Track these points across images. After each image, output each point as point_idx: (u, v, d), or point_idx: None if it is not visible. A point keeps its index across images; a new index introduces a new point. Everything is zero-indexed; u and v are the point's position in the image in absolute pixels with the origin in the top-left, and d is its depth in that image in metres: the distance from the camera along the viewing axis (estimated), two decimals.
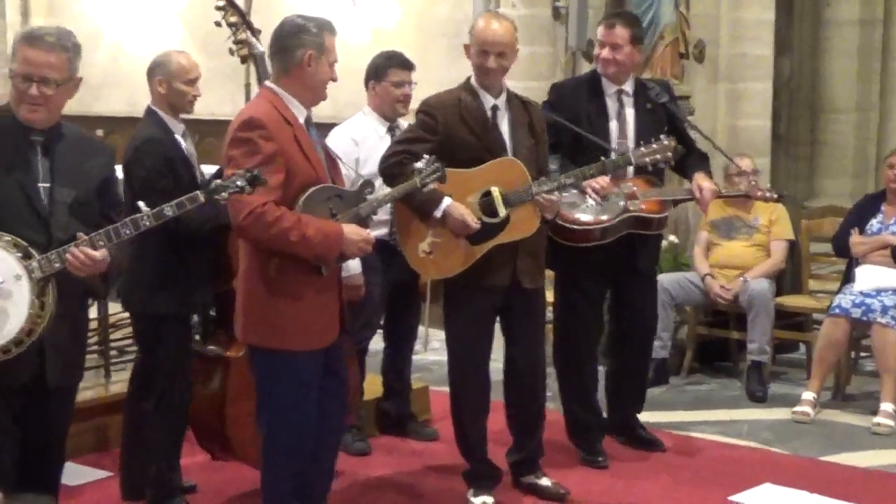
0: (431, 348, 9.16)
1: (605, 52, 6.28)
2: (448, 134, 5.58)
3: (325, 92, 4.91)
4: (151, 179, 5.33)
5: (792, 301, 8.50)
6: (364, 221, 4.91)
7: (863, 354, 8.36)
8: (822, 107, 9.94)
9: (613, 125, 6.28)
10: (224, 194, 4.38)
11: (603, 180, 6.02)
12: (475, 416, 5.84)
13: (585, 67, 8.78)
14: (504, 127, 5.70)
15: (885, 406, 7.28)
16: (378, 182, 5.48)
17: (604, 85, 6.33)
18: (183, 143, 5.58)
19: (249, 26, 5.99)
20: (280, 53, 4.83)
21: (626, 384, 6.72)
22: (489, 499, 5.80)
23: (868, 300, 7.49)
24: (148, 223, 4.27)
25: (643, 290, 6.62)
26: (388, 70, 6.59)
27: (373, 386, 6.93)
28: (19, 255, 4.13)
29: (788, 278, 8.77)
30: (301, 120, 4.81)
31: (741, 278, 8.13)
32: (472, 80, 5.72)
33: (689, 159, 6.40)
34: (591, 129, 6.16)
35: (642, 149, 5.90)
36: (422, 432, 6.95)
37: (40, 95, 4.26)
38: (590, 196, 6.05)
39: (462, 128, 5.59)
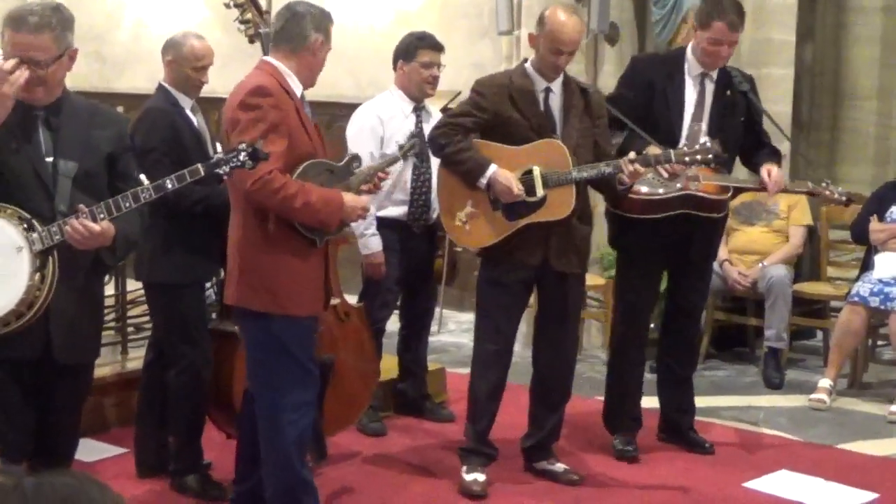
0: (447, 330, 9.18)
1: (725, 51, 6.08)
2: (496, 112, 5.67)
3: (317, 77, 5.00)
4: (148, 148, 5.39)
5: (810, 288, 8.48)
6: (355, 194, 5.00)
7: (880, 343, 8.33)
8: (843, 93, 9.89)
9: (689, 107, 6.16)
10: (225, 168, 4.41)
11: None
12: (489, 390, 5.88)
13: (608, 50, 8.79)
14: (555, 109, 5.74)
15: None
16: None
17: (688, 66, 6.19)
18: (192, 117, 5.61)
19: (256, 6, 6.01)
20: (291, 34, 4.88)
21: (675, 377, 6.57)
22: (481, 476, 5.83)
23: (887, 288, 7.47)
24: (147, 196, 4.27)
25: (697, 277, 6.48)
26: (418, 50, 6.61)
27: (389, 367, 6.94)
28: (24, 227, 4.14)
29: (807, 265, 8.76)
30: (298, 94, 4.89)
31: (759, 264, 8.12)
32: (528, 64, 5.77)
33: (760, 154, 6.31)
34: (667, 107, 6.09)
35: (685, 148, 5.78)
36: (437, 413, 6.97)
37: (34, 77, 4.24)
38: (658, 172, 5.96)
39: (510, 107, 5.67)
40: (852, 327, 7.56)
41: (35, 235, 4.14)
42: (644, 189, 6.07)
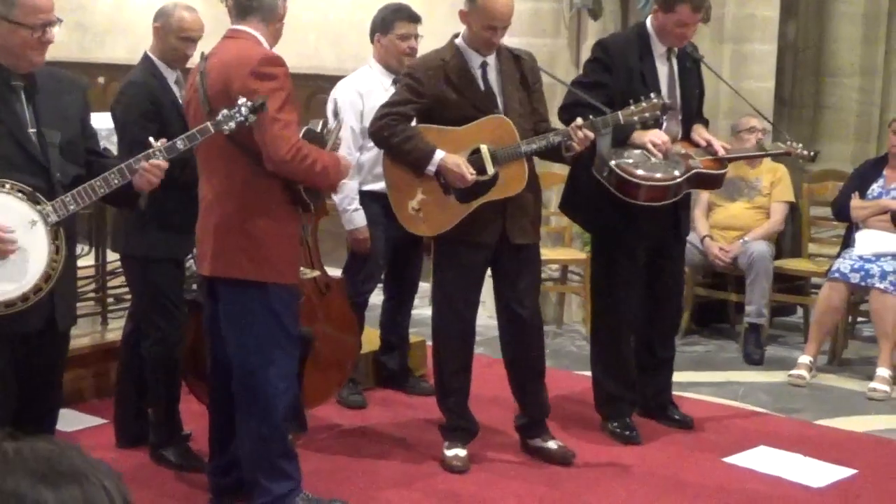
0: (430, 303, 9.17)
1: (691, 31, 6.16)
2: (434, 95, 5.60)
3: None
4: (128, 123, 5.39)
5: (791, 264, 8.50)
6: None
7: (860, 319, 8.36)
8: (826, 70, 9.90)
9: (664, 84, 6.14)
10: (231, 125, 4.43)
11: (662, 136, 5.99)
12: (455, 369, 5.87)
13: (590, 24, 8.76)
14: (494, 83, 5.68)
15: (881, 371, 7.29)
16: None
17: (654, 45, 6.16)
18: (176, 90, 5.58)
19: None
20: (262, 3, 4.89)
21: (656, 358, 6.53)
22: (462, 451, 5.83)
23: (867, 265, 7.49)
24: (161, 157, 4.34)
25: (678, 257, 6.50)
26: (394, 23, 6.57)
27: (371, 339, 6.94)
28: (30, 200, 4.11)
29: (788, 241, 8.78)
30: None
31: (741, 240, 8.14)
32: (459, 41, 5.69)
33: (700, 119, 6.41)
34: (645, 87, 5.98)
35: (632, 108, 5.71)
36: (418, 387, 6.97)
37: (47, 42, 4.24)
38: (652, 154, 5.95)
39: (447, 88, 5.60)
40: (832, 304, 7.58)
41: (48, 208, 4.12)
42: (658, 174, 5.97)
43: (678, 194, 6.10)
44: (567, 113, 5.91)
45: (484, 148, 5.56)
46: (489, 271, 5.88)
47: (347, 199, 6.40)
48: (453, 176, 5.54)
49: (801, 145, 6.51)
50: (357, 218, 6.46)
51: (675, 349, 6.67)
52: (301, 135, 4.80)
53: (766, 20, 8.70)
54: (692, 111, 6.30)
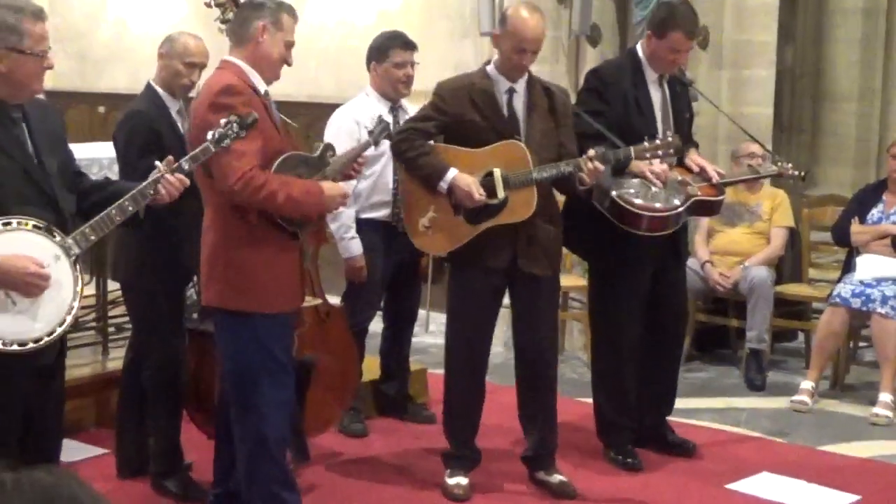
0: (430, 331, 9.16)
1: (682, 57, 6.18)
2: (456, 114, 5.61)
3: (279, 71, 4.91)
4: (129, 153, 5.41)
5: (792, 289, 8.49)
6: None
7: (862, 344, 8.35)
8: (824, 95, 9.92)
9: (658, 111, 6.14)
10: (227, 141, 4.45)
11: (661, 165, 5.95)
12: (464, 398, 5.85)
13: (589, 52, 8.78)
14: (519, 110, 5.68)
15: (884, 396, 7.28)
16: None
17: (646, 71, 6.16)
18: (178, 120, 5.58)
19: (238, 5, 6.00)
20: (237, 25, 4.90)
21: (656, 384, 6.46)
22: (464, 480, 5.81)
23: (868, 290, 7.48)
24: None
25: (678, 282, 6.46)
26: (389, 50, 6.57)
27: (371, 367, 6.93)
28: (50, 234, 4.08)
29: (788, 266, 8.77)
30: (262, 92, 4.86)
31: (741, 266, 8.13)
32: (490, 67, 5.72)
33: (692, 144, 6.43)
34: (641, 115, 6.03)
35: (645, 144, 5.71)
36: (419, 415, 6.95)
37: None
38: (651, 183, 5.93)
39: (471, 109, 5.61)
40: (834, 329, 7.57)
41: (70, 241, 4.11)
42: (658, 204, 5.97)
43: (679, 223, 6.10)
44: (581, 141, 5.86)
45: (497, 171, 5.57)
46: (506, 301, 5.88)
47: (343, 228, 6.39)
48: (462, 194, 5.54)
49: (790, 165, 6.54)
50: (353, 246, 6.45)
51: (676, 375, 6.61)
52: (280, 162, 4.73)
53: (764, 45, 8.72)
54: (684, 136, 6.25)
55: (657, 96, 6.18)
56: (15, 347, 4.00)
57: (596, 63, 8.75)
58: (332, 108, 6.74)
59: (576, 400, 7.31)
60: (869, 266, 7.63)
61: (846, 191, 8.92)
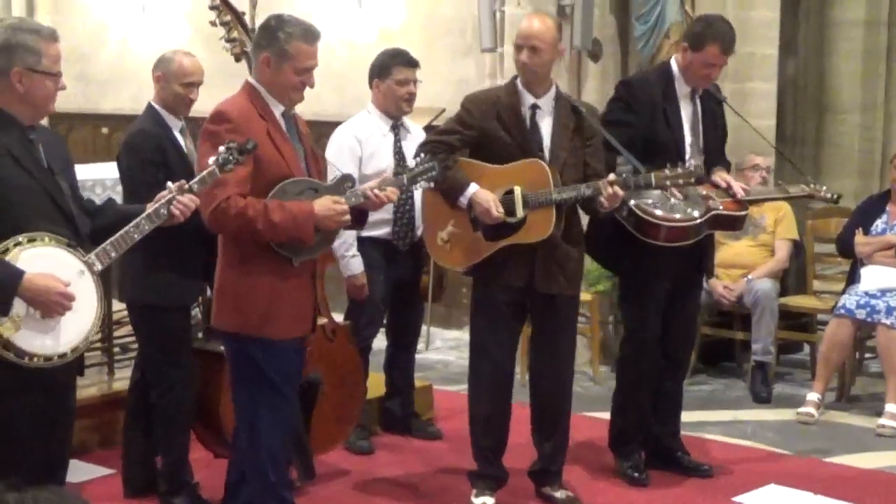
0: (434, 347, 9.17)
1: (716, 72, 6.11)
2: (482, 129, 5.61)
3: (294, 95, 4.88)
4: (134, 171, 5.42)
5: (796, 301, 8.49)
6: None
7: (867, 355, 8.33)
8: (827, 107, 9.92)
9: (687, 124, 6.10)
10: (231, 166, 4.48)
11: None
12: (486, 415, 5.81)
13: (590, 67, 8.80)
14: (544, 127, 5.67)
15: (890, 407, 7.27)
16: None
17: (677, 85, 6.11)
18: (181, 140, 5.60)
19: (243, 24, 6.02)
20: (253, 49, 4.96)
21: (666, 399, 6.42)
22: (490, 500, 5.79)
23: (873, 301, 7.48)
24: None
25: (695, 297, 6.46)
26: (392, 68, 6.58)
27: (376, 384, 6.93)
28: (74, 251, 4.11)
29: (793, 278, 8.77)
30: (278, 114, 4.86)
31: (745, 278, 8.13)
32: (518, 80, 5.71)
33: (721, 160, 6.34)
34: (669, 127, 6.01)
35: (667, 172, 5.64)
36: (425, 431, 6.95)
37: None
38: (673, 195, 5.92)
39: (496, 125, 5.60)
40: (839, 340, 7.56)
41: (93, 257, 4.14)
42: (677, 215, 5.96)
43: (699, 235, 6.04)
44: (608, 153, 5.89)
45: (517, 190, 5.54)
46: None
47: (345, 246, 6.38)
48: (481, 211, 5.53)
49: (824, 187, 6.47)
50: (354, 264, 6.45)
51: (681, 390, 6.53)
52: (280, 185, 4.71)
53: (766, 58, 8.74)
54: (714, 152, 6.23)
55: (688, 111, 6.14)
56: (41, 362, 4.02)
57: (597, 78, 8.78)
58: (336, 125, 6.76)
59: (581, 415, 7.29)
60: (873, 277, 7.63)
61: (850, 202, 8.91)
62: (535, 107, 5.66)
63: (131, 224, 4.25)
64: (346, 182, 4.94)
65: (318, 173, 5.00)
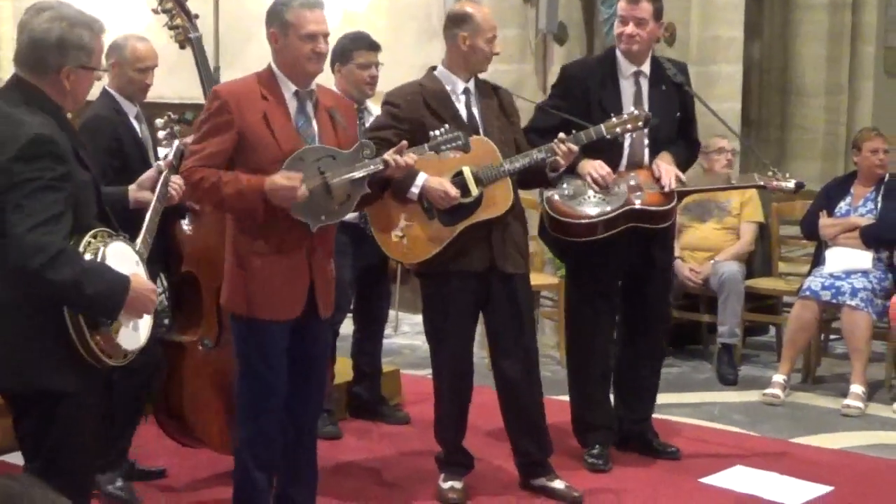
0: (402, 332, 9.16)
1: (630, 28, 5.93)
2: (413, 120, 5.52)
3: (307, 65, 4.84)
4: (94, 156, 5.36)
5: (762, 284, 8.52)
6: (360, 183, 4.90)
7: (833, 337, 8.39)
8: (792, 90, 9.97)
9: (627, 107, 5.94)
10: (176, 139, 4.71)
11: (603, 170, 5.89)
12: (451, 403, 5.78)
13: (557, 51, 8.79)
14: (475, 110, 5.65)
15: (855, 388, 7.31)
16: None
17: (621, 66, 6.05)
18: (136, 125, 5.57)
19: (185, 11, 5.98)
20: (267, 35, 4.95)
21: (634, 387, 6.42)
22: (458, 484, 5.77)
23: (838, 283, 7.51)
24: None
25: (656, 285, 6.32)
26: (353, 52, 6.55)
27: (343, 369, 6.92)
28: (130, 243, 4.11)
29: (759, 261, 8.80)
30: (289, 95, 4.86)
31: (711, 261, 8.16)
32: (440, 70, 5.67)
33: (674, 145, 6.17)
34: (604, 111, 5.88)
35: (613, 119, 5.67)
36: (393, 416, 6.95)
37: None
38: (590, 187, 5.90)
39: (426, 112, 5.55)
40: (804, 322, 7.60)
41: (140, 248, 4.16)
42: (586, 211, 5.92)
43: (613, 229, 5.94)
44: (537, 133, 5.85)
45: (466, 169, 5.50)
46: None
47: None
48: (436, 195, 5.46)
49: (787, 174, 6.17)
50: None
51: (654, 378, 6.51)
52: (296, 153, 4.73)
53: (731, 41, 8.76)
54: (662, 136, 6.10)
55: (629, 93, 6.05)
56: (122, 360, 4.02)
57: (563, 61, 8.76)
58: None
59: (547, 398, 7.29)
60: (838, 259, 7.66)
61: (814, 185, 8.95)
62: (466, 90, 5.64)
63: (151, 209, 4.34)
64: (364, 149, 4.92)
65: (337, 147, 4.94)
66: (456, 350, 5.69)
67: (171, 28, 5.94)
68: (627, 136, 5.94)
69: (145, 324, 4.08)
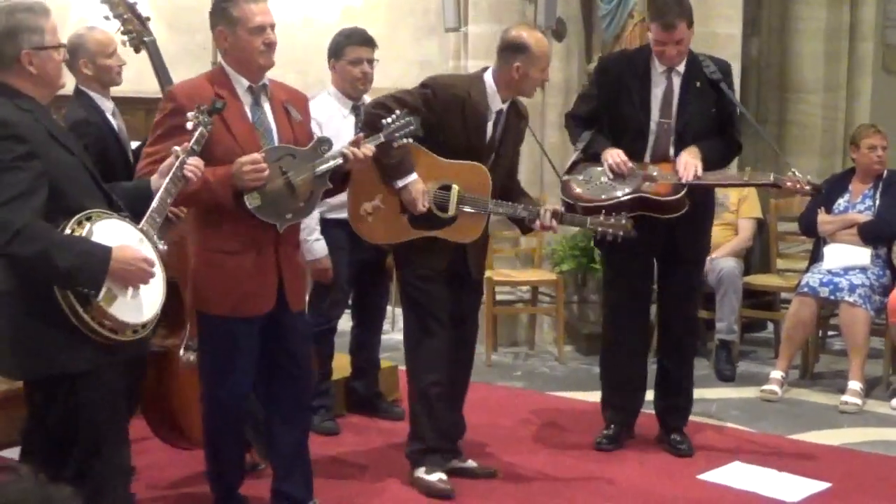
0: (399, 328, 9.11)
1: (670, 50, 5.98)
2: (441, 118, 5.57)
3: (259, 58, 4.85)
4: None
5: (760, 280, 8.52)
6: (322, 179, 4.93)
7: (830, 333, 8.39)
8: (790, 87, 9.95)
9: (656, 103, 6.06)
10: (201, 128, 4.52)
11: (620, 157, 6.01)
12: (439, 393, 5.77)
13: (555, 46, 8.76)
14: (499, 131, 5.71)
15: (853, 385, 7.31)
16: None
17: (654, 62, 6.10)
18: (113, 122, 5.56)
19: (136, 15, 5.98)
20: (213, 33, 4.94)
21: (661, 375, 6.53)
22: (444, 475, 5.76)
23: (836, 279, 7.51)
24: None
25: (679, 280, 6.34)
26: (346, 48, 6.50)
27: (341, 365, 6.91)
28: (130, 220, 4.15)
29: (757, 257, 8.80)
30: (241, 91, 4.87)
31: (709, 257, 8.14)
32: (489, 80, 5.69)
33: (712, 140, 6.15)
34: (633, 105, 6.06)
35: (601, 218, 5.70)
36: (390, 411, 6.94)
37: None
38: (605, 173, 6.04)
39: (457, 121, 5.59)
40: (802, 318, 7.59)
41: (145, 226, 4.17)
42: (596, 195, 6.02)
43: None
44: (575, 120, 6.21)
45: (455, 188, 5.59)
46: None
47: (307, 230, 6.26)
48: (409, 199, 5.57)
49: (808, 178, 6.11)
50: (317, 248, 6.39)
51: (684, 368, 6.51)
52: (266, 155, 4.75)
53: (729, 38, 8.73)
54: (690, 131, 6.10)
55: (660, 89, 6.11)
56: (130, 335, 4.06)
57: (562, 57, 8.77)
58: None
59: (545, 394, 7.31)
60: (836, 255, 7.66)
61: (813, 181, 8.93)
62: (500, 112, 5.69)
63: (161, 190, 4.29)
64: (322, 145, 4.96)
65: (296, 142, 4.96)
66: (442, 321, 5.77)
67: (124, 33, 5.94)
68: (653, 126, 6.08)
69: (150, 298, 4.11)
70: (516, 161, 6.02)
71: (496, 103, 5.67)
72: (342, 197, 6.11)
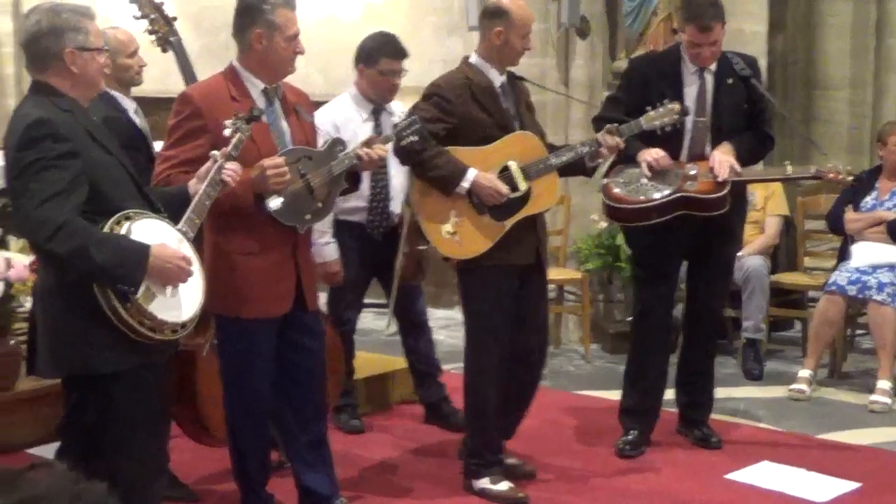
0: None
1: (706, 52, 5.97)
2: (463, 115, 5.50)
3: (289, 66, 4.92)
4: None
5: (787, 278, 8.46)
6: (338, 180, 4.94)
7: (859, 332, 8.33)
8: (816, 83, 9.89)
9: (690, 103, 5.99)
10: (238, 134, 4.49)
11: (657, 153, 5.95)
12: (494, 406, 5.68)
13: (578, 44, 8.74)
14: (511, 103, 5.65)
15: (882, 384, 7.25)
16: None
17: (684, 62, 6.07)
18: (137, 121, 5.54)
19: (163, 15, 5.98)
20: (236, 32, 4.93)
21: (684, 372, 6.52)
22: (509, 482, 5.67)
23: (864, 277, 7.45)
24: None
25: (710, 278, 6.31)
26: (379, 58, 6.38)
27: (366, 364, 6.88)
28: (169, 220, 4.16)
29: (784, 255, 8.74)
30: (256, 94, 4.87)
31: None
32: (476, 59, 5.64)
33: (743, 136, 6.12)
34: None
35: (650, 112, 5.72)
36: (448, 420, 6.70)
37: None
38: (643, 172, 5.95)
39: (474, 106, 5.53)
40: (830, 317, 7.53)
41: (184, 227, 4.18)
42: (636, 196, 5.98)
43: (665, 215, 5.98)
44: (605, 123, 5.91)
45: (513, 164, 5.51)
46: None
47: (317, 233, 6.09)
48: (487, 192, 5.44)
49: (847, 169, 6.19)
50: (327, 251, 6.27)
51: (706, 364, 6.50)
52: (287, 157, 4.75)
53: (754, 35, 8.69)
54: (725, 128, 6.09)
55: (693, 88, 6.06)
56: (169, 334, 4.07)
57: (585, 55, 8.74)
58: (322, 104, 6.68)
59: (572, 393, 7.28)
60: (864, 253, 7.60)
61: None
62: (502, 85, 5.63)
63: (201, 192, 4.29)
64: (336, 146, 4.97)
65: (307, 143, 4.97)
66: (501, 344, 5.63)
67: (151, 33, 5.95)
68: (689, 125, 6.01)
69: (189, 297, 4.12)
70: (540, 127, 5.93)
71: (496, 77, 5.60)
72: (352, 202, 6.12)
